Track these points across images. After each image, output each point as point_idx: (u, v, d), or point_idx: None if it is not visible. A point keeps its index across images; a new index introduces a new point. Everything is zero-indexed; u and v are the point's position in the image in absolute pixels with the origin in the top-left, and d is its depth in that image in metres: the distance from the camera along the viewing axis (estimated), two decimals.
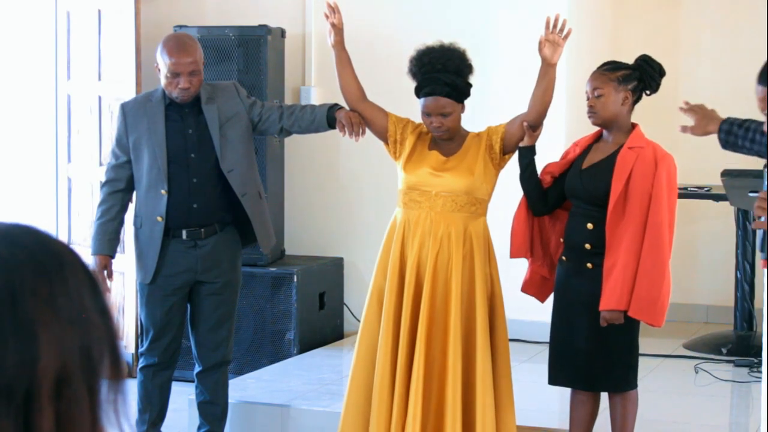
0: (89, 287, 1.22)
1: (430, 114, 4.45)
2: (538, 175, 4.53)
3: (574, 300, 4.40)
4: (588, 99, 4.37)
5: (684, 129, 4.15)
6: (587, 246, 4.35)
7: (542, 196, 4.53)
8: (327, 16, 4.65)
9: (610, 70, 4.37)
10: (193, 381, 5.15)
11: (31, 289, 1.16)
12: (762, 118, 3.58)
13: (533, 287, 4.65)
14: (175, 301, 4.96)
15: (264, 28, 6.74)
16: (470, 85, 4.51)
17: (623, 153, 4.33)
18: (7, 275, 1.16)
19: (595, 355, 4.38)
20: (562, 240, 4.49)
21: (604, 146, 4.44)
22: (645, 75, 4.36)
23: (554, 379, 4.53)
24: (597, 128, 4.48)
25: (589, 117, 4.40)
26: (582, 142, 4.53)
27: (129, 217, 5.01)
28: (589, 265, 4.35)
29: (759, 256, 3.40)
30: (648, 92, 4.41)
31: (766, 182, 3.31)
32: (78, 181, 6.81)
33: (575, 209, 4.44)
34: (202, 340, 5.02)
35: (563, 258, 4.47)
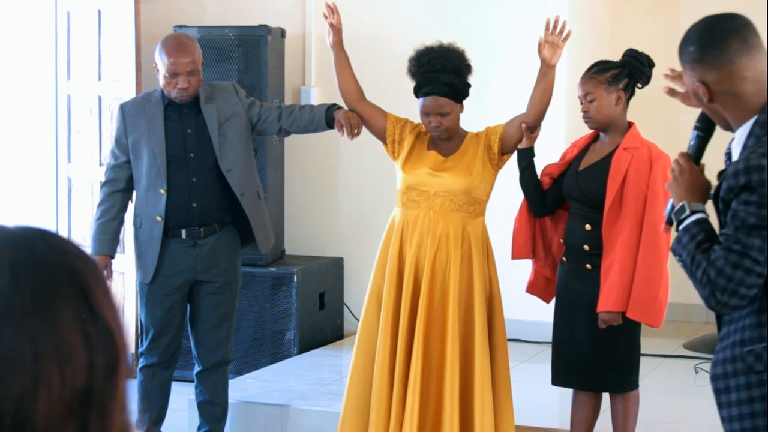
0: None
1: (429, 114, 4.45)
2: (538, 177, 4.53)
3: (574, 301, 4.40)
4: (582, 104, 4.37)
5: (672, 93, 3.51)
6: (586, 247, 4.35)
7: (542, 197, 4.52)
8: (326, 17, 4.66)
9: (598, 72, 4.35)
10: (193, 381, 5.16)
11: (96, 290, 1.19)
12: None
13: (537, 288, 4.65)
14: (175, 300, 4.96)
15: (264, 28, 6.74)
16: (469, 85, 4.50)
17: (618, 154, 4.32)
18: (75, 280, 1.18)
19: (596, 356, 4.38)
20: (562, 241, 4.49)
21: (600, 147, 4.43)
22: (634, 70, 4.35)
23: (557, 380, 4.53)
24: None
25: (586, 122, 4.39)
26: (580, 142, 4.53)
27: (129, 217, 5.02)
28: (588, 266, 4.35)
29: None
30: (640, 86, 4.40)
31: (690, 143, 3.19)
32: (78, 181, 6.81)
33: (573, 211, 4.44)
34: (201, 339, 5.03)
35: (564, 259, 4.47)
